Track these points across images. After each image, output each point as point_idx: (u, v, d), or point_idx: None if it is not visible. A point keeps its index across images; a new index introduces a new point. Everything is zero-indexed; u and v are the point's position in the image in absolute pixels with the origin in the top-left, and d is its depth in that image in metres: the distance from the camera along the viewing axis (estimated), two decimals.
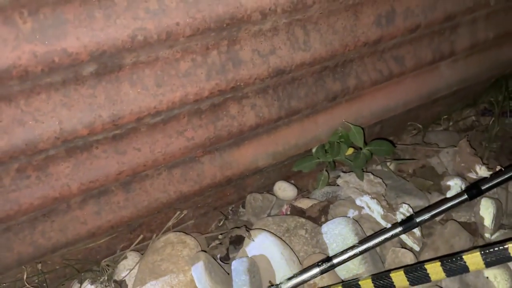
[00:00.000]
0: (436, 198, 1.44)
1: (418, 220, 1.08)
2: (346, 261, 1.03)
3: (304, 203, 1.42)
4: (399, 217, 1.28)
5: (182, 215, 1.27)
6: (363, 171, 1.39)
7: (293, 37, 0.99)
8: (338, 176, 1.44)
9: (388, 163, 1.58)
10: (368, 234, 1.21)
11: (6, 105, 0.74)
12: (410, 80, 1.40)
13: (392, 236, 1.05)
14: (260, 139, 1.20)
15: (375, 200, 1.32)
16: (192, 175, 1.12)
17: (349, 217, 1.28)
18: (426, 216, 1.08)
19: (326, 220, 1.31)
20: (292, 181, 1.52)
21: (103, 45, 0.74)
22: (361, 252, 1.02)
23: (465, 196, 1.11)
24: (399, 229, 1.06)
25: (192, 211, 1.31)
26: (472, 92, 1.86)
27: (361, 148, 1.31)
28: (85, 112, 0.81)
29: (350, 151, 1.37)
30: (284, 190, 1.47)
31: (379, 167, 1.57)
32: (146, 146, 0.97)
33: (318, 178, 1.41)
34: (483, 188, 1.13)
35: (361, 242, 1.05)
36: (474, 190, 1.11)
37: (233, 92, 1.01)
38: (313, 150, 1.37)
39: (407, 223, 1.07)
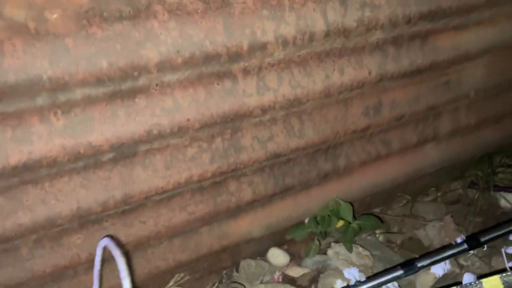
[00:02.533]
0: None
1: (419, 265, 1.13)
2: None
3: (295, 271, 1.49)
4: None
5: (180, 278, 1.34)
6: (351, 244, 1.47)
7: (289, 126, 1.12)
8: (329, 245, 1.52)
9: (377, 234, 1.66)
10: None
11: (33, 187, 0.85)
12: (397, 159, 1.51)
13: (394, 278, 1.10)
14: (256, 212, 1.29)
15: (362, 273, 1.39)
16: (190, 245, 1.21)
17: None
18: (426, 262, 1.14)
19: None
20: (285, 247, 1.59)
21: (123, 139, 0.85)
22: None
23: (465, 246, 1.18)
24: (400, 272, 1.11)
25: (188, 274, 1.38)
26: (459, 166, 1.97)
27: (350, 222, 1.40)
28: (100, 192, 0.91)
29: (341, 223, 1.46)
30: (277, 257, 1.54)
31: (369, 237, 1.65)
32: (151, 220, 1.07)
33: (309, 247, 1.49)
34: (482, 240, 1.20)
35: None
36: (474, 242, 1.18)
37: (233, 172, 1.12)
38: (306, 221, 1.46)
39: (409, 267, 1.13)
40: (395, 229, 1.77)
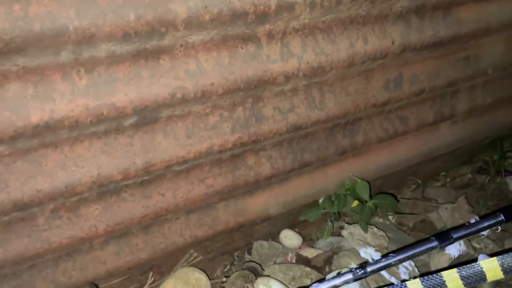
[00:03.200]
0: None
1: (455, 236, 1.10)
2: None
3: (309, 252, 1.46)
4: (402, 270, 1.33)
5: (193, 257, 1.31)
6: (367, 224, 1.45)
7: (310, 97, 1.09)
8: (342, 227, 1.49)
9: (390, 217, 1.64)
10: (372, 286, 1.25)
11: (53, 151, 0.81)
12: (412, 138, 1.49)
13: (429, 249, 1.06)
14: (272, 189, 1.26)
15: (378, 252, 1.37)
16: (207, 221, 1.18)
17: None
18: (461, 233, 1.11)
19: (331, 270, 1.35)
20: (297, 230, 1.56)
21: (146, 101, 0.82)
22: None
23: (501, 217, 1.14)
24: (435, 243, 1.07)
25: (201, 254, 1.34)
26: (468, 150, 1.95)
27: (366, 201, 1.38)
28: (121, 159, 0.88)
29: (355, 203, 1.43)
30: (290, 238, 1.51)
31: (381, 220, 1.63)
32: (169, 192, 1.03)
33: (323, 228, 1.46)
34: None
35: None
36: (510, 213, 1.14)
37: (253, 144, 1.09)
38: (320, 201, 1.43)
39: (444, 237, 1.09)
40: (407, 212, 1.75)
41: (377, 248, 1.42)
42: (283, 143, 1.18)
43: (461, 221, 1.64)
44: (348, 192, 1.36)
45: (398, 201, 1.50)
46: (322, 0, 0.89)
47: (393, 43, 1.09)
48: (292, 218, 1.47)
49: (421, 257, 1.33)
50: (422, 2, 1.09)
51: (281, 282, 1.27)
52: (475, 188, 1.93)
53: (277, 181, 1.25)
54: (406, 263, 1.38)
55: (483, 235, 1.68)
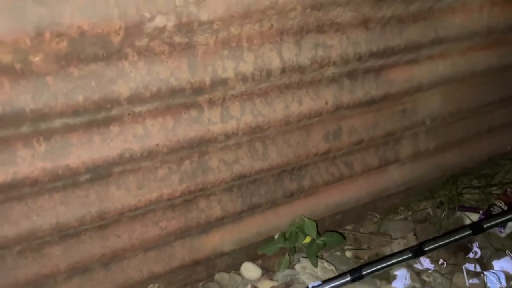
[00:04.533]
0: (384, 285, 1.62)
1: (364, 272, 1.31)
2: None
3: (265, 285, 1.60)
4: None
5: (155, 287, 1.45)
6: (319, 258, 1.59)
7: (253, 149, 1.24)
8: (300, 259, 1.63)
9: (347, 252, 1.78)
10: None
11: (17, 203, 0.96)
12: (361, 180, 1.63)
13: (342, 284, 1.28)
14: (226, 228, 1.41)
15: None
16: (164, 257, 1.32)
17: None
18: (371, 269, 1.33)
19: None
20: (260, 262, 1.70)
21: (98, 162, 0.98)
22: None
23: (410, 255, 1.36)
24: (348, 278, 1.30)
25: (164, 286, 1.48)
26: (427, 187, 2.09)
27: (314, 239, 1.51)
28: (78, 209, 1.03)
29: (308, 239, 1.57)
30: (250, 270, 1.65)
31: (338, 253, 1.76)
32: (125, 234, 1.18)
33: (280, 261, 1.60)
34: (425, 249, 1.34)
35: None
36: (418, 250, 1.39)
37: (202, 191, 1.23)
38: (275, 237, 1.57)
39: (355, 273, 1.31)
40: (364, 246, 1.88)
41: None
42: (233, 188, 1.32)
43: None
44: (299, 229, 1.50)
45: (345, 238, 1.63)
46: (253, 75, 1.05)
47: (326, 103, 1.24)
48: (253, 252, 1.61)
49: None
50: (353, 67, 1.25)
51: None
52: (431, 222, 2.05)
53: (229, 221, 1.39)
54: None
55: (430, 269, 1.82)
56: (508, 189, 2.11)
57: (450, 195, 2.11)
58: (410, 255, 1.36)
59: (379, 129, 1.46)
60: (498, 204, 2.03)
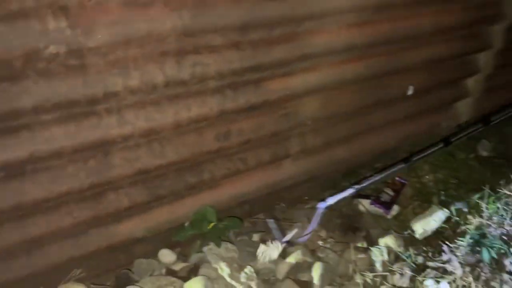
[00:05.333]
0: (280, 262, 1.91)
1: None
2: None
3: (178, 266, 1.86)
4: (243, 277, 1.75)
5: (78, 273, 1.67)
6: (225, 241, 1.86)
7: (152, 149, 1.51)
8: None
9: (255, 235, 2.07)
10: None
11: None
12: (259, 173, 1.93)
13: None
14: (137, 217, 1.66)
15: (225, 263, 1.78)
16: (81, 243, 1.56)
17: (206, 276, 1.73)
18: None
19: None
20: (179, 249, 1.95)
21: (11, 161, 1.22)
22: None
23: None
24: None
25: (86, 272, 1.71)
26: (330, 179, 2.42)
27: (216, 224, 1.80)
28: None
29: (211, 225, 1.85)
30: (166, 256, 1.90)
31: (245, 237, 2.05)
32: (43, 222, 1.41)
33: (192, 246, 1.86)
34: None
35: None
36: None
37: (110, 185, 1.49)
38: (186, 224, 1.84)
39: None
40: (268, 231, 2.17)
41: (229, 260, 1.83)
42: (138, 183, 1.58)
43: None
44: (203, 217, 1.78)
45: (242, 222, 1.92)
46: (140, 88, 1.33)
47: (211, 110, 1.53)
48: (170, 239, 1.86)
49: None
50: (233, 80, 1.55)
51: None
52: (332, 209, 2.38)
53: (138, 211, 1.64)
54: (247, 270, 1.79)
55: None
56: (396, 178, 2.49)
57: (348, 185, 2.46)
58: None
59: (265, 130, 1.76)
60: (386, 191, 2.40)
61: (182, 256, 1.95)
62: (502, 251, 2.00)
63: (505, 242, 2.03)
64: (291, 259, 1.94)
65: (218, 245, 1.81)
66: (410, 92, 2.18)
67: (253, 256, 1.93)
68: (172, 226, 1.78)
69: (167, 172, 1.61)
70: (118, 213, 1.57)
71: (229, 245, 1.89)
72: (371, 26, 1.76)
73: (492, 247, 1.99)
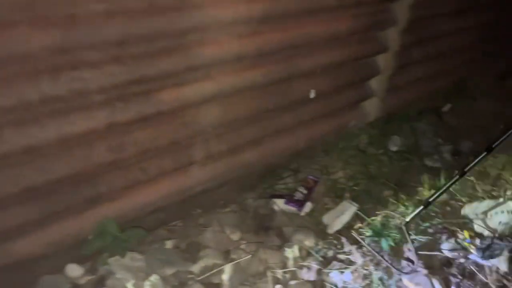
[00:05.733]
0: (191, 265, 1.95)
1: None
2: None
3: (85, 279, 1.87)
4: (147, 285, 1.78)
5: None
6: (131, 251, 1.88)
7: (37, 165, 1.51)
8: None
9: (168, 241, 2.10)
10: None
11: None
12: (166, 181, 1.97)
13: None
14: (33, 234, 1.65)
15: (130, 273, 1.80)
16: None
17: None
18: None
19: None
20: (90, 263, 1.95)
21: None
22: None
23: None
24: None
25: None
26: (247, 181, 2.49)
27: (118, 235, 1.81)
28: None
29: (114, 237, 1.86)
30: (73, 270, 1.90)
31: (157, 246, 2.07)
32: None
33: (99, 258, 1.87)
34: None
35: None
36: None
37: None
38: (89, 238, 1.85)
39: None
40: (183, 237, 2.22)
41: (135, 269, 1.86)
42: (29, 200, 1.57)
43: (215, 241, 2.13)
44: (102, 229, 1.79)
45: (146, 232, 1.95)
46: (15, 107, 1.33)
47: (99, 122, 1.55)
48: (76, 253, 1.86)
49: None
50: (120, 92, 1.58)
51: None
52: (247, 211, 2.45)
53: (33, 228, 1.63)
54: (152, 278, 1.82)
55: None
56: (310, 176, 2.61)
57: (266, 186, 2.55)
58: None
59: (163, 139, 1.80)
60: (299, 189, 2.51)
61: (92, 269, 1.96)
62: (400, 240, 2.16)
63: (402, 231, 2.19)
64: (202, 263, 1.99)
65: (123, 255, 1.83)
66: (312, 95, 2.30)
67: (166, 263, 1.96)
68: (77, 240, 1.78)
69: (58, 187, 1.61)
70: (9, 232, 1.55)
71: (135, 255, 1.92)
72: (262, 36, 1.84)
73: (390, 237, 2.14)
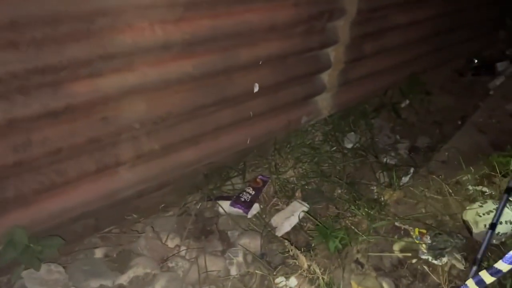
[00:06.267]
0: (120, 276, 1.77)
1: None
2: None
3: None
4: None
5: None
6: (50, 263, 1.69)
7: None
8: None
9: (96, 250, 1.91)
10: None
11: None
12: (88, 184, 1.77)
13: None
14: None
15: (45, 287, 1.61)
16: None
17: None
18: None
19: None
20: (6, 275, 1.73)
21: None
22: None
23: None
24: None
25: None
26: (191, 182, 2.32)
27: (30, 245, 1.61)
28: None
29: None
30: None
31: (85, 255, 1.88)
32: None
33: (15, 271, 1.66)
34: None
35: None
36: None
37: None
38: None
39: None
40: (116, 244, 2.03)
41: (52, 282, 1.66)
42: None
43: (152, 247, 1.96)
44: (11, 239, 1.59)
45: (64, 240, 1.76)
46: None
47: None
48: None
49: None
50: (20, 83, 1.39)
51: None
52: (189, 214, 2.28)
53: None
54: None
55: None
56: (259, 176, 2.46)
57: (211, 188, 2.39)
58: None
59: (80, 137, 1.62)
60: (247, 190, 2.36)
61: (8, 283, 1.75)
62: (349, 240, 2.03)
63: (349, 231, 2.07)
64: (131, 273, 1.82)
65: (37, 268, 1.63)
66: (256, 89, 2.15)
67: (90, 274, 1.78)
68: None
69: None
70: None
71: (53, 266, 1.73)
72: (189, 22, 1.69)
73: (337, 238, 2.01)
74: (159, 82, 1.74)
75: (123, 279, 1.79)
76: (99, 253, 1.95)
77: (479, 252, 1.57)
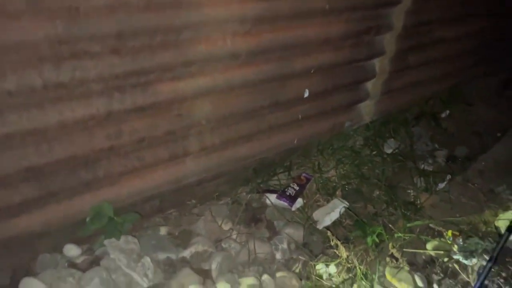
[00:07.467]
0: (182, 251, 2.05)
1: None
2: None
3: (80, 259, 1.98)
4: (139, 266, 1.88)
5: None
6: (127, 234, 1.99)
7: (39, 148, 1.63)
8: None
9: (162, 227, 2.21)
10: (117, 280, 1.79)
11: None
12: (160, 170, 2.07)
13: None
14: (33, 212, 1.77)
15: (123, 254, 1.91)
16: None
17: (104, 267, 1.85)
18: None
19: None
20: (87, 243, 2.06)
21: None
22: None
23: None
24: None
25: None
26: (242, 175, 2.59)
27: (113, 218, 1.92)
28: None
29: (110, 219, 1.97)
30: (70, 250, 2.02)
31: (150, 232, 2.18)
32: None
33: (96, 240, 1.98)
34: None
35: None
36: None
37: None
38: (87, 220, 1.96)
39: None
40: (177, 225, 2.33)
41: (128, 251, 1.96)
42: (29, 179, 1.69)
43: (211, 229, 2.23)
44: (98, 212, 1.91)
45: (141, 215, 2.06)
46: (19, 91, 1.45)
47: (98, 110, 1.67)
48: (76, 234, 1.97)
49: None
50: (118, 83, 1.69)
51: (41, 281, 1.77)
52: (240, 203, 2.54)
53: (33, 206, 1.75)
54: (143, 260, 1.92)
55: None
56: (303, 174, 2.69)
57: (260, 181, 2.65)
58: None
59: (159, 129, 1.91)
60: (292, 186, 2.60)
61: (89, 250, 2.07)
62: (385, 236, 2.23)
63: (386, 228, 2.27)
64: (193, 249, 2.09)
65: (118, 237, 1.94)
66: (306, 95, 2.39)
67: (158, 247, 2.07)
68: (74, 221, 1.89)
69: (58, 169, 1.73)
70: (11, 208, 1.67)
71: (130, 238, 2.02)
72: (254, 35, 1.94)
73: (374, 233, 2.22)
74: (225, 86, 2.01)
75: (186, 253, 2.07)
76: (163, 230, 2.24)
77: (495, 250, 1.74)
